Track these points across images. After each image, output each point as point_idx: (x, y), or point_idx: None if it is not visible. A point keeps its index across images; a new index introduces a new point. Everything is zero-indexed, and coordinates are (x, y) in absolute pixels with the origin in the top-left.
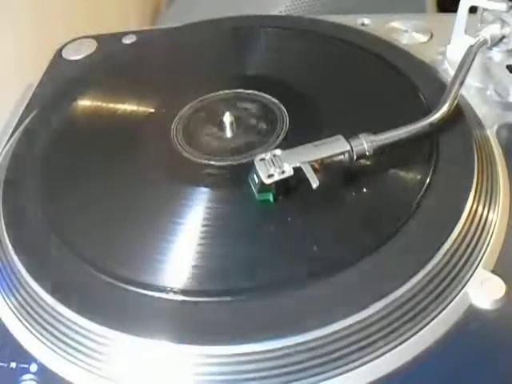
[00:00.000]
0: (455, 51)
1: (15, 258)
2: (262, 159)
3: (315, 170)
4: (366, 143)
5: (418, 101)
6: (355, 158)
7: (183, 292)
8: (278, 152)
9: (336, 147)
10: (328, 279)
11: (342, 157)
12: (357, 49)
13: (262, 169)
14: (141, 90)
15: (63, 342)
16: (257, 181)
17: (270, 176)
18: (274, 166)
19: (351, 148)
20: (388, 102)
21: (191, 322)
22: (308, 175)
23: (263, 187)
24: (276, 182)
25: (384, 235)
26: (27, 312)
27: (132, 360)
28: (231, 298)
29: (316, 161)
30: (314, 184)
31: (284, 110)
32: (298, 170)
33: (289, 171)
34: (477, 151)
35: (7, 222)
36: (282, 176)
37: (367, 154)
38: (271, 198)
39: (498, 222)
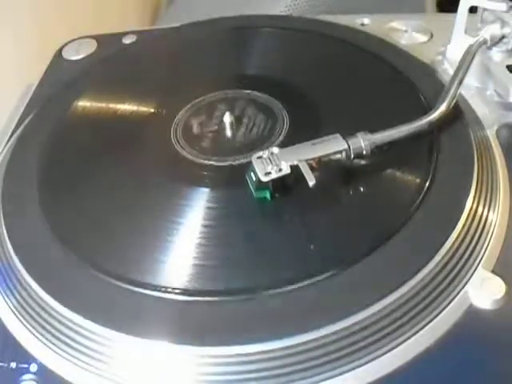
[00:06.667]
0: (455, 51)
1: (15, 258)
2: (260, 157)
3: (312, 169)
4: (363, 142)
5: (418, 101)
6: (352, 156)
7: (183, 292)
8: (275, 150)
9: (333, 146)
10: (327, 279)
11: (339, 155)
12: (356, 49)
13: (259, 167)
14: (141, 90)
15: (63, 342)
16: (254, 178)
17: (267, 174)
18: (271, 164)
19: (348, 146)
20: (387, 102)
21: (191, 323)
22: (305, 173)
23: (260, 185)
24: (273, 180)
25: (383, 235)
26: (27, 312)
27: (132, 360)
28: (231, 298)
29: (313, 159)
30: (311, 182)
31: (284, 109)
32: (295, 169)
33: (286, 169)
34: (477, 151)
35: (7, 222)
36: (279, 174)
37: (364, 152)
38: (268, 196)
39: (498, 222)
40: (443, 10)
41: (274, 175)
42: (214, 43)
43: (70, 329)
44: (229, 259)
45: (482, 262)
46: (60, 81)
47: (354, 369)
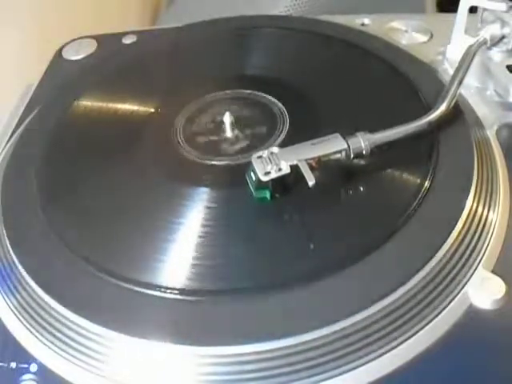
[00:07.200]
0: (455, 51)
1: (15, 258)
2: (260, 157)
3: (312, 168)
4: (363, 142)
5: (418, 101)
6: (352, 156)
7: (183, 292)
8: (275, 150)
9: (333, 145)
10: (328, 279)
11: (339, 155)
12: (356, 49)
13: (259, 166)
14: (141, 90)
15: (63, 342)
16: (254, 178)
17: (267, 173)
18: (271, 164)
19: (348, 146)
20: (388, 102)
21: (191, 323)
22: (304, 173)
23: (260, 185)
24: (273, 180)
25: (384, 235)
26: (27, 312)
27: (132, 360)
28: (231, 298)
29: (313, 159)
30: (310, 182)
31: (284, 109)
32: (295, 168)
33: (285, 169)
34: (477, 151)
35: (7, 222)
36: (279, 173)
37: (364, 152)
38: (268, 196)
39: (498, 222)
40: (443, 10)
41: (273, 175)
42: (215, 43)
43: (70, 329)
44: (229, 259)
45: (482, 261)
46: (60, 81)
47: (353, 369)
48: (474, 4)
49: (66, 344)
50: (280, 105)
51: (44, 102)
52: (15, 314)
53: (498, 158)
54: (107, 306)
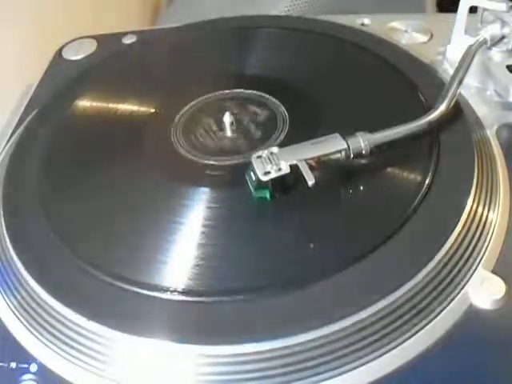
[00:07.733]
0: (455, 51)
1: (15, 257)
2: (259, 157)
3: (312, 168)
4: (362, 141)
5: (418, 101)
6: (352, 156)
7: (183, 292)
8: (274, 149)
9: (333, 145)
10: (328, 279)
11: (338, 155)
12: (356, 49)
13: (258, 166)
14: (141, 89)
15: (63, 342)
16: (254, 178)
17: (267, 173)
18: (270, 164)
19: (348, 146)
20: (388, 102)
21: (191, 322)
22: (304, 173)
23: (260, 184)
24: (272, 180)
25: (384, 235)
26: (27, 312)
27: (132, 360)
28: (231, 298)
29: (313, 158)
30: (310, 182)
31: (284, 109)
32: (295, 168)
33: (285, 169)
34: (477, 151)
35: (7, 222)
36: (279, 173)
37: (364, 152)
38: (268, 196)
39: (498, 222)
40: (443, 10)
41: (273, 175)
42: (214, 43)
43: (70, 329)
44: (228, 259)
45: (482, 261)
46: (60, 81)
47: (353, 369)
48: (474, 4)
49: (66, 344)
50: (280, 104)
51: (44, 101)
52: (15, 314)
53: (497, 158)
54: (107, 306)
